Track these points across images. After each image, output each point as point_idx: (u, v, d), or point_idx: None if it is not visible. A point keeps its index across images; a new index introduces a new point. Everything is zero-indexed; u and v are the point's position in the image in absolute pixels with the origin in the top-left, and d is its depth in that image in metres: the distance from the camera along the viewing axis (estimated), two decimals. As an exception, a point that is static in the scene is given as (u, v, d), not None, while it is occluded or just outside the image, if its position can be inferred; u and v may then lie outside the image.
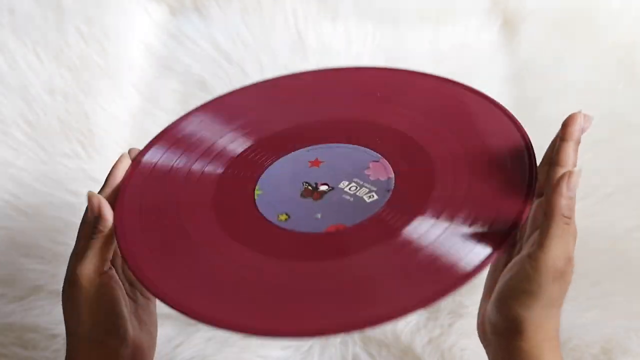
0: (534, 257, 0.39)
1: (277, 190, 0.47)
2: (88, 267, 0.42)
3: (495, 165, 0.46)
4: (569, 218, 0.40)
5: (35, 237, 0.68)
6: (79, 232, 0.44)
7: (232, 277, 0.44)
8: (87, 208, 0.44)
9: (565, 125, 0.44)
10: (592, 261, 0.62)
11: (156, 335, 0.49)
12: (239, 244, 0.45)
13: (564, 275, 0.39)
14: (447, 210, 0.44)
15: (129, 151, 0.48)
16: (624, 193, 0.69)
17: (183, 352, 0.63)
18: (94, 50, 0.74)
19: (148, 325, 0.47)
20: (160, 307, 0.64)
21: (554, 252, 0.39)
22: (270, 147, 0.50)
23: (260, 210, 0.46)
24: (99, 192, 0.45)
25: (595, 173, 0.70)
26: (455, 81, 0.51)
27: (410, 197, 0.45)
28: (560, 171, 0.42)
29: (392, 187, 0.46)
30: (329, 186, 0.47)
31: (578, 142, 0.44)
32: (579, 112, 0.44)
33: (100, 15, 0.75)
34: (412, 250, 0.43)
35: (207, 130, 0.52)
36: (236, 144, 0.51)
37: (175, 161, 0.50)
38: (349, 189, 0.46)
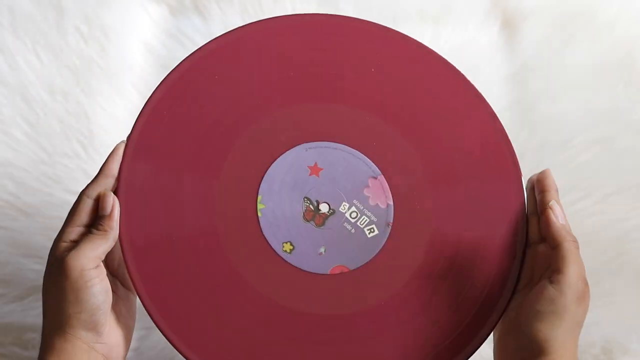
0: (556, 281, 0.42)
1: (279, 206, 0.47)
2: (82, 261, 0.42)
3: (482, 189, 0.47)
4: (576, 241, 0.44)
5: (35, 237, 0.68)
6: (70, 217, 0.44)
7: (236, 325, 0.45)
8: (82, 195, 0.44)
9: (541, 180, 0.47)
10: (592, 261, 0.62)
11: (133, 326, 0.49)
12: (248, 287, 0.46)
13: (584, 297, 0.43)
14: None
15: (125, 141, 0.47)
16: (624, 193, 0.69)
17: (183, 352, 0.63)
18: (94, 50, 0.74)
19: (126, 318, 0.47)
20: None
21: (573, 274, 0.42)
22: (265, 138, 0.48)
23: (265, 234, 0.46)
24: (93, 181, 0.45)
25: (595, 173, 0.70)
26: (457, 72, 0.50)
27: (407, 238, 0.47)
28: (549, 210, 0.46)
29: (392, 220, 0.47)
30: (329, 207, 0.47)
31: (557, 191, 0.47)
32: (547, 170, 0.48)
33: (100, 15, 0.75)
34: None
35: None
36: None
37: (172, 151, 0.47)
38: (350, 215, 0.47)
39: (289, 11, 0.81)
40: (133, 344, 0.64)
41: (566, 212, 0.46)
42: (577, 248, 0.44)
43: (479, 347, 0.46)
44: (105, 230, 0.44)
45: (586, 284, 0.43)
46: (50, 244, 0.45)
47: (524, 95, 0.74)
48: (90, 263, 0.43)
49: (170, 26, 0.77)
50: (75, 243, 0.43)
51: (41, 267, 0.66)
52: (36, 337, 0.64)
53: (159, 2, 0.77)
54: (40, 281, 0.65)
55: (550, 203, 0.45)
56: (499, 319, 0.46)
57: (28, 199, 0.69)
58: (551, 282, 0.42)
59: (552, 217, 0.44)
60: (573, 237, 0.44)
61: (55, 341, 0.43)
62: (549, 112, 0.72)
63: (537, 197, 0.47)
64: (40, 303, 0.65)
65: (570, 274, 0.42)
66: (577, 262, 0.43)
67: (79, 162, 0.71)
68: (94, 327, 0.43)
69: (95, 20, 0.75)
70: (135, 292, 0.48)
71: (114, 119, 0.73)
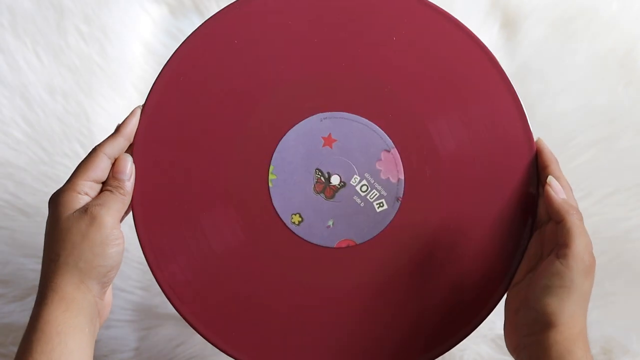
0: (562, 256, 0.42)
1: (291, 176, 0.46)
2: (114, 218, 0.44)
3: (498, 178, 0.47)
4: (579, 213, 0.44)
5: (35, 237, 0.68)
6: (83, 170, 0.45)
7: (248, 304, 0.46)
8: (98, 150, 0.45)
9: (539, 156, 0.48)
10: (592, 261, 0.62)
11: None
12: (254, 258, 0.46)
13: (591, 271, 0.43)
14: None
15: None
16: (624, 193, 0.69)
17: (183, 352, 0.63)
18: (94, 50, 0.74)
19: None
20: (162, 308, 0.64)
21: (580, 247, 0.42)
22: (283, 102, 0.47)
23: (275, 205, 0.46)
24: (110, 139, 0.45)
25: (595, 173, 0.70)
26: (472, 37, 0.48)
27: (415, 214, 0.47)
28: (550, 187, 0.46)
29: (402, 195, 0.47)
30: (341, 180, 0.47)
31: (556, 162, 0.47)
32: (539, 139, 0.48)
33: (100, 15, 0.75)
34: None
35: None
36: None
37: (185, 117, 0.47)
38: (360, 188, 0.47)
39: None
40: (133, 344, 0.64)
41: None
42: (581, 220, 0.44)
43: (485, 318, 0.46)
44: (124, 195, 0.45)
45: (592, 256, 0.43)
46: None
47: (524, 95, 0.73)
48: (117, 223, 0.44)
49: (170, 26, 0.77)
50: (87, 196, 0.44)
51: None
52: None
53: (159, 2, 0.77)
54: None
55: (548, 179, 0.45)
56: (504, 295, 0.46)
57: (28, 199, 0.69)
58: (558, 256, 0.42)
59: (552, 193, 0.44)
60: (576, 210, 0.44)
61: (66, 287, 0.43)
62: (549, 112, 0.72)
63: (540, 176, 0.47)
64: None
65: (576, 248, 0.42)
66: (582, 235, 0.43)
67: (79, 162, 0.71)
68: (106, 283, 0.44)
69: (95, 20, 0.75)
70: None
71: (114, 119, 0.73)
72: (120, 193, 0.45)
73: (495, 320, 0.66)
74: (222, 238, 0.46)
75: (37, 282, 0.67)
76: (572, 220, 0.43)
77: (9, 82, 0.73)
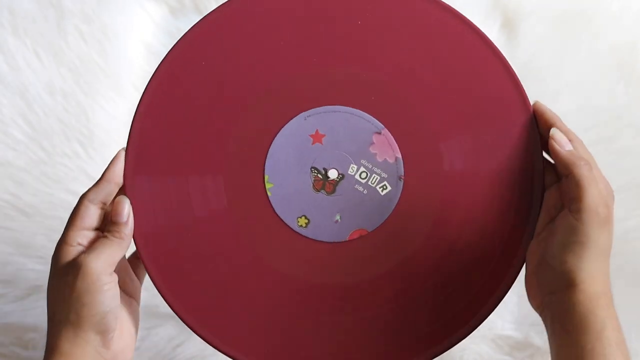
0: (575, 210, 0.41)
1: (287, 179, 0.46)
2: (100, 265, 0.42)
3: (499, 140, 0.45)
4: (587, 163, 0.42)
5: (35, 237, 0.68)
6: (73, 221, 0.44)
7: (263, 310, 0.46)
8: (83, 199, 0.44)
9: (539, 116, 0.45)
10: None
11: (136, 334, 0.48)
12: (268, 268, 0.46)
13: (607, 223, 0.41)
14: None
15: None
16: (624, 193, 0.69)
17: (183, 352, 0.63)
18: (94, 50, 0.74)
19: (129, 325, 0.47)
20: (162, 308, 0.64)
21: (591, 198, 0.40)
22: (265, 111, 0.46)
23: (278, 213, 0.46)
24: (95, 186, 0.44)
25: (595, 173, 0.70)
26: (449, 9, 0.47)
27: (421, 188, 0.46)
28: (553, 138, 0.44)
29: (403, 173, 0.46)
30: (338, 172, 0.46)
31: (558, 118, 0.45)
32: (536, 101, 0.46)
33: (100, 15, 0.75)
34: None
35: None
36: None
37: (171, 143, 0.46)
38: (360, 176, 0.46)
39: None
40: (133, 344, 0.64)
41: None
42: (591, 170, 0.41)
43: (507, 291, 0.45)
44: (122, 238, 0.44)
45: (607, 207, 0.41)
46: (50, 244, 0.45)
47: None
48: (108, 268, 0.42)
49: (170, 26, 0.77)
50: (81, 247, 0.43)
51: (41, 267, 0.66)
52: (36, 337, 0.64)
53: (159, 2, 0.77)
54: (41, 281, 0.66)
55: (551, 132, 0.43)
56: (521, 269, 0.45)
57: (28, 199, 0.69)
58: (571, 210, 0.41)
59: (556, 146, 0.43)
60: (584, 160, 0.42)
61: (63, 345, 0.42)
62: (549, 112, 0.72)
63: (543, 135, 0.45)
64: (41, 303, 0.65)
65: (588, 200, 0.40)
66: (593, 187, 0.41)
67: (79, 162, 0.71)
68: (105, 331, 0.43)
69: (95, 20, 0.75)
70: (138, 300, 0.48)
71: (114, 119, 0.73)
72: (116, 237, 0.43)
73: (495, 320, 0.66)
74: (231, 258, 0.46)
75: (37, 282, 0.67)
76: (580, 173, 0.41)
77: (9, 82, 0.73)
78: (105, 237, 0.44)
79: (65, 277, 0.42)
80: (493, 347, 0.66)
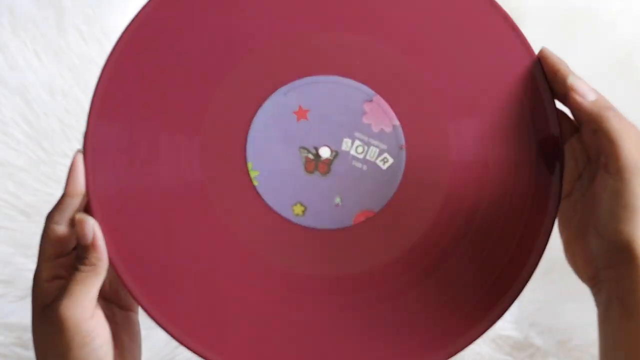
0: (614, 170, 0.35)
1: (275, 165, 0.40)
2: (77, 312, 0.36)
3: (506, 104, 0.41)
4: (616, 112, 0.36)
5: (35, 237, 0.68)
6: (43, 251, 0.38)
7: (254, 322, 0.40)
8: (48, 222, 0.38)
9: (547, 65, 0.41)
10: (592, 261, 0.62)
11: (139, 350, 0.44)
12: (267, 265, 0.40)
13: None
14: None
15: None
16: (624, 193, 0.69)
17: (183, 352, 0.63)
18: (94, 50, 0.74)
19: (130, 345, 0.43)
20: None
21: (628, 152, 0.35)
22: (236, 91, 0.40)
23: (269, 203, 0.40)
24: (58, 205, 0.38)
25: (595, 173, 0.70)
26: None
27: (426, 156, 0.40)
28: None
29: (404, 142, 0.40)
30: (331, 150, 0.40)
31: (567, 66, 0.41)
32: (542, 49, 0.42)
33: (100, 15, 0.75)
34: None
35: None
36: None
37: (133, 139, 0.41)
38: (356, 151, 0.40)
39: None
40: (133, 344, 0.64)
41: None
42: (619, 116, 0.36)
43: (538, 263, 0.40)
44: (93, 264, 0.37)
45: None
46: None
47: (524, 95, 0.74)
48: (86, 311, 0.37)
49: (170, 26, 0.77)
50: (60, 279, 0.38)
51: (41, 267, 0.66)
52: (36, 337, 0.64)
53: (159, 2, 0.77)
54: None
55: (569, 82, 0.38)
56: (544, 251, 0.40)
57: (28, 199, 0.69)
58: (608, 171, 0.35)
59: (578, 98, 0.38)
60: (611, 109, 0.37)
61: None
62: (549, 112, 0.72)
63: (554, 86, 0.40)
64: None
65: (625, 155, 0.34)
66: (628, 137, 0.35)
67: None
68: None
69: (95, 20, 0.75)
70: (135, 309, 0.44)
71: (114, 119, 0.73)
72: (86, 266, 0.37)
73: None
74: (223, 254, 0.40)
75: (37, 282, 0.67)
76: (611, 126, 0.35)
77: (9, 82, 0.73)
78: (77, 269, 0.37)
79: (45, 326, 0.37)
80: (493, 347, 0.66)
